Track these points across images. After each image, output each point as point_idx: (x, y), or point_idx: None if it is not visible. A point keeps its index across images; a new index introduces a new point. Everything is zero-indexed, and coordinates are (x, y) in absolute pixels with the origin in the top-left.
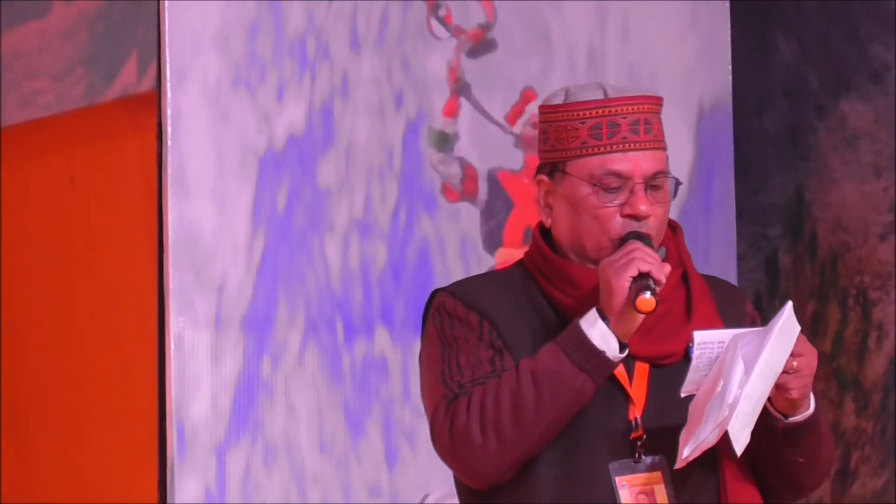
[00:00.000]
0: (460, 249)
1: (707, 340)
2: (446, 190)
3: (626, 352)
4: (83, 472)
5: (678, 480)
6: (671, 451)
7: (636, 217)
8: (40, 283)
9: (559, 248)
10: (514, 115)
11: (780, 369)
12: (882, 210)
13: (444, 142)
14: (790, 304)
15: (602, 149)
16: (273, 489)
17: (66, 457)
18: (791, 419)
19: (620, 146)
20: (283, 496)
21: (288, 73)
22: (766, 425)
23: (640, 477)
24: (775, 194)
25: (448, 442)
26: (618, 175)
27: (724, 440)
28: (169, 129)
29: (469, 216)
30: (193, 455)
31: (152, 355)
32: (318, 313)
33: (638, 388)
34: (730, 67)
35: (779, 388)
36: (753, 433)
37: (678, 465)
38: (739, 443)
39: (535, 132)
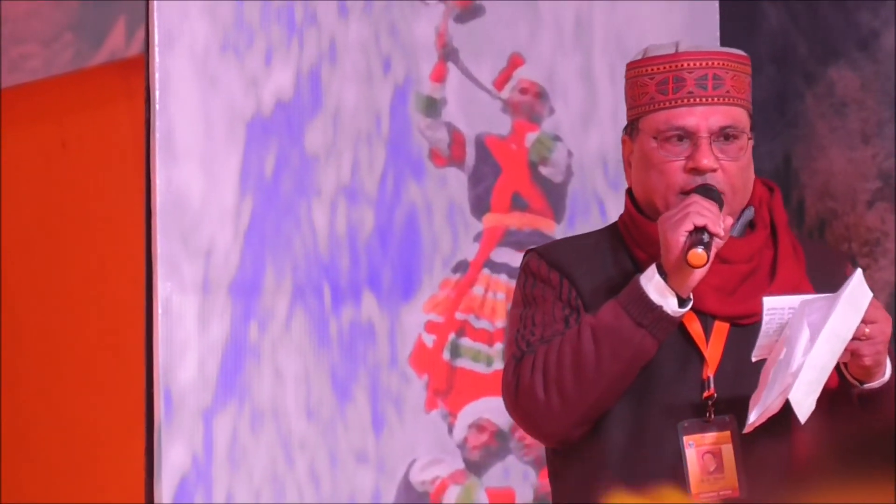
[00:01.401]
0: (448, 215)
1: (777, 306)
2: (434, 155)
3: (688, 306)
4: (71, 436)
5: (747, 442)
6: (743, 412)
7: (699, 171)
8: (34, 247)
9: (640, 206)
10: (502, 80)
11: (850, 336)
12: (869, 177)
13: (432, 107)
14: (859, 271)
15: (668, 103)
16: (260, 454)
17: (53, 420)
18: (866, 385)
19: (686, 100)
20: (270, 461)
21: (276, 38)
22: (844, 391)
23: (709, 437)
24: (763, 161)
25: (514, 400)
26: (682, 129)
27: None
28: (157, 94)
29: (457, 181)
30: (180, 420)
31: (141, 320)
32: (306, 279)
33: (714, 348)
34: (717, 34)
35: (852, 354)
36: (831, 398)
37: (746, 429)
38: (803, 410)
39: (523, 98)
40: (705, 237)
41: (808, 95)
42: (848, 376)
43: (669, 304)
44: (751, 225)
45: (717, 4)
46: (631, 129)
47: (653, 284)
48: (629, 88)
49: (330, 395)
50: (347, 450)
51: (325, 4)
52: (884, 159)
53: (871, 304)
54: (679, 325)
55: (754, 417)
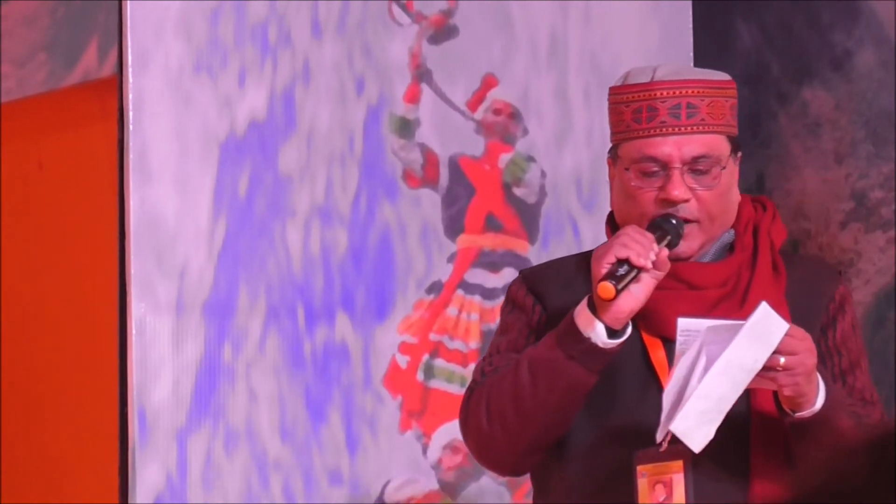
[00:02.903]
0: (421, 236)
1: (691, 328)
2: (407, 176)
3: (623, 337)
4: (45, 456)
5: (703, 469)
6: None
7: (670, 202)
8: (9, 266)
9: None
10: (476, 101)
11: (757, 367)
12: (843, 197)
13: (406, 128)
14: (764, 304)
15: (642, 132)
16: (234, 474)
17: (27, 440)
18: (797, 415)
19: (659, 130)
20: (245, 481)
21: (249, 58)
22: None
23: (661, 466)
24: None
25: (464, 430)
26: (655, 159)
27: (758, 432)
28: (131, 114)
29: (430, 202)
30: (154, 440)
31: (115, 340)
32: (280, 299)
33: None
34: (691, 54)
35: (773, 383)
36: (781, 425)
37: (661, 449)
38: (695, 441)
39: (496, 119)
40: (622, 269)
41: (782, 115)
42: (782, 406)
43: (599, 336)
44: (732, 248)
45: (690, 24)
46: (613, 154)
47: (582, 317)
48: (610, 114)
49: (304, 416)
50: (322, 470)
51: (299, 24)
52: (857, 179)
53: (789, 334)
54: (642, 351)
55: (659, 438)
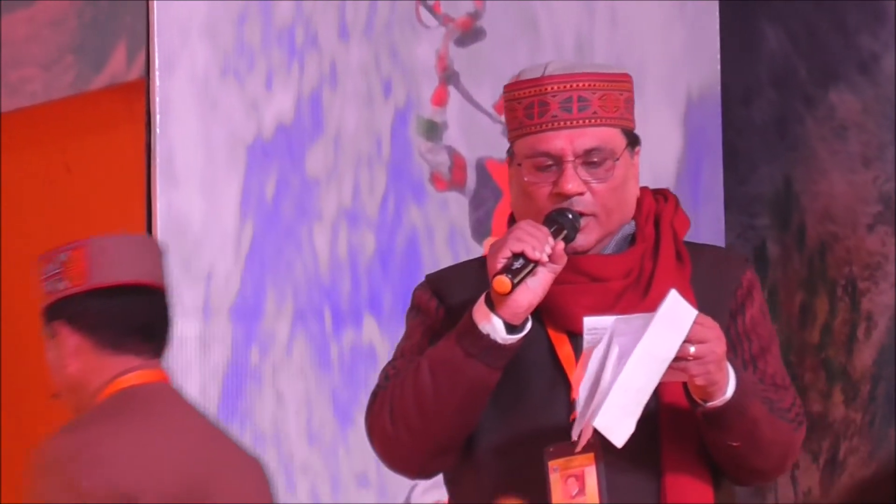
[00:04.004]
0: (448, 238)
1: (598, 326)
2: (435, 179)
3: (522, 333)
4: None
5: (612, 464)
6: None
7: (564, 195)
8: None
9: None
10: (503, 103)
11: (671, 356)
12: (870, 200)
13: (433, 130)
14: (673, 291)
15: (534, 128)
16: None
17: None
18: (709, 404)
19: (551, 124)
20: None
21: (276, 61)
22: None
23: (574, 459)
24: (763, 184)
25: (369, 434)
26: (547, 154)
27: (668, 424)
28: (158, 117)
29: (457, 205)
30: None
31: None
32: (307, 302)
33: (582, 369)
34: (718, 57)
35: (684, 373)
36: (691, 418)
37: (577, 447)
38: (617, 434)
39: None
40: (517, 263)
41: (809, 119)
42: (692, 396)
43: (497, 332)
44: (633, 240)
45: (717, 27)
46: (510, 152)
47: (481, 313)
48: (505, 112)
49: (331, 419)
50: (349, 473)
51: (326, 27)
52: (884, 182)
53: (698, 322)
54: (548, 347)
55: (574, 435)
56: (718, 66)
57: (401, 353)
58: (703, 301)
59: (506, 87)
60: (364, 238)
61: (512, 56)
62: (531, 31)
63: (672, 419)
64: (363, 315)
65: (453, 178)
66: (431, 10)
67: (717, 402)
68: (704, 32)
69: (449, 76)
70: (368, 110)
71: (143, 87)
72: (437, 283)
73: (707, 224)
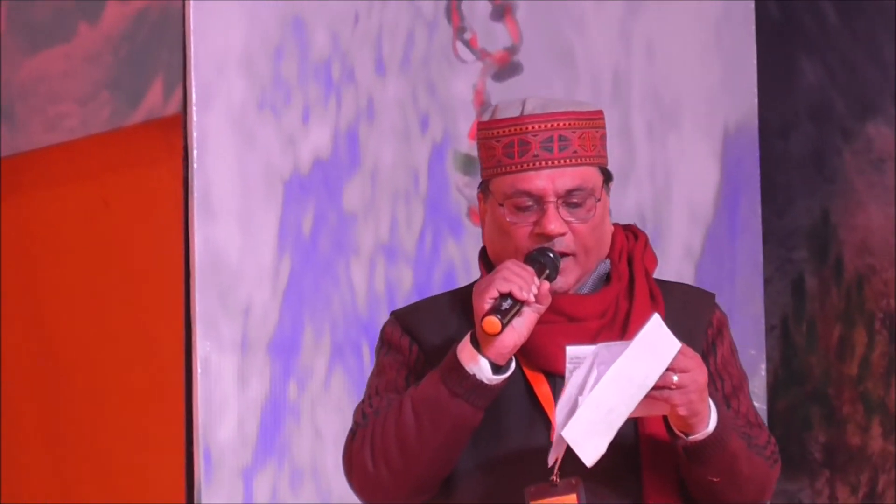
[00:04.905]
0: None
1: (580, 355)
2: (472, 213)
3: (507, 373)
4: (112, 494)
5: (596, 501)
6: (590, 471)
7: (546, 236)
8: (76, 305)
9: (493, 267)
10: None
11: (650, 383)
12: None
13: (470, 165)
14: (656, 316)
15: (514, 167)
16: None
17: (94, 479)
18: (691, 437)
19: (532, 164)
20: None
21: (313, 96)
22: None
23: (555, 501)
24: (801, 217)
25: (348, 473)
26: (528, 194)
27: (648, 460)
28: (195, 152)
29: None
30: (220, 478)
31: (181, 378)
32: (344, 337)
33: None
34: (755, 90)
35: (666, 403)
36: (671, 451)
37: (550, 461)
38: (586, 453)
39: None
40: (506, 304)
41: (846, 151)
42: (673, 428)
43: (483, 373)
44: (608, 278)
45: (754, 61)
46: (484, 189)
47: (466, 353)
48: (480, 149)
49: None
50: None
51: (363, 62)
52: None
53: (681, 352)
54: (526, 386)
55: (551, 460)
56: (755, 100)
57: (375, 390)
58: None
59: (481, 123)
60: (401, 273)
61: (549, 90)
62: (568, 65)
63: (653, 454)
64: None
65: None
66: (468, 45)
67: (698, 435)
68: (742, 66)
69: (486, 110)
70: (405, 145)
71: (180, 121)
72: (407, 322)
73: (745, 257)
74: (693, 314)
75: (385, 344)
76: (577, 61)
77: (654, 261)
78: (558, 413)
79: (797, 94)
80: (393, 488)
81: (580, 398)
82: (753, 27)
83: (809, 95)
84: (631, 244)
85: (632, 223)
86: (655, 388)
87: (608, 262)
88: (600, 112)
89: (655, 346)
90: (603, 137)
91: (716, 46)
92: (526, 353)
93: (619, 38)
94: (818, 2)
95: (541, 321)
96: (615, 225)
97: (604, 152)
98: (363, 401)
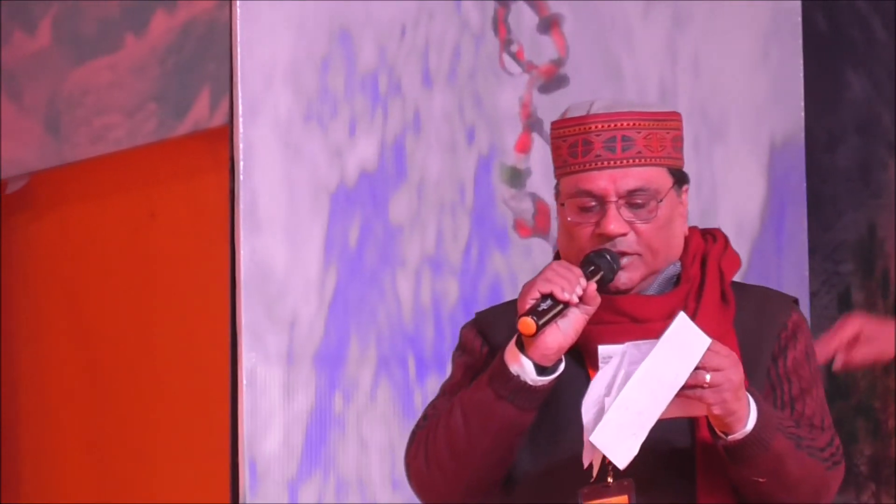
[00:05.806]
0: None
1: (611, 354)
2: (518, 226)
3: (555, 374)
4: None
5: (649, 501)
6: (644, 473)
7: (606, 236)
8: (122, 318)
9: None
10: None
11: (680, 382)
12: None
13: (517, 177)
14: (682, 314)
15: (578, 167)
16: None
17: (139, 491)
18: (729, 437)
19: (595, 164)
20: None
21: (360, 108)
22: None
23: (607, 501)
24: (848, 231)
25: (407, 472)
26: (590, 194)
27: (703, 464)
28: (241, 164)
29: (541, 252)
30: (265, 490)
31: (227, 390)
32: (390, 349)
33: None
34: (802, 104)
35: (701, 403)
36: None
37: (585, 465)
38: (618, 455)
39: None
40: (544, 305)
41: (893, 165)
42: (714, 428)
43: (527, 374)
44: (678, 281)
45: (801, 74)
46: (557, 190)
47: (511, 355)
48: (552, 150)
49: None
50: None
51: (410, 74)
52: None
53: (713, 350)
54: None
55: (586, 462)
56: (802, 113)
57: (442, 391)
58: (744, 342)
59: (553, 123)
60: (447, 285)
61: None
62: (614, 78)
63: (707, 458)
64: (446, 363)
65: (537, 224)
66: (515, 58)
67: (737, 434)
68: (788, 79)
69: (532, 123)
70: (452, 157)
71: (226, 133)
72: (482, 322)
73: (791, 270)
74: (767, 317)
75: (460, 346)
76: (623, 74)
77: (736, 263)
78: (585, 413)
79: (844, 108)
80: (446, 490)
81: (607, 399)
82: (801, 41)
83: (856, 109)
84: (709, 246)
85: (716, 228)
86: (687, 387)
87: (678, 264)
88: (674, 113)
89: (684, 344)
90: (676, 139)
91: (763, 60)
92: (589, 354)
93: (666, 51)
94: (866, 15)
95: (604, 321)
96: (693, 228)
97: (675, 154)
98: (432, 400)
